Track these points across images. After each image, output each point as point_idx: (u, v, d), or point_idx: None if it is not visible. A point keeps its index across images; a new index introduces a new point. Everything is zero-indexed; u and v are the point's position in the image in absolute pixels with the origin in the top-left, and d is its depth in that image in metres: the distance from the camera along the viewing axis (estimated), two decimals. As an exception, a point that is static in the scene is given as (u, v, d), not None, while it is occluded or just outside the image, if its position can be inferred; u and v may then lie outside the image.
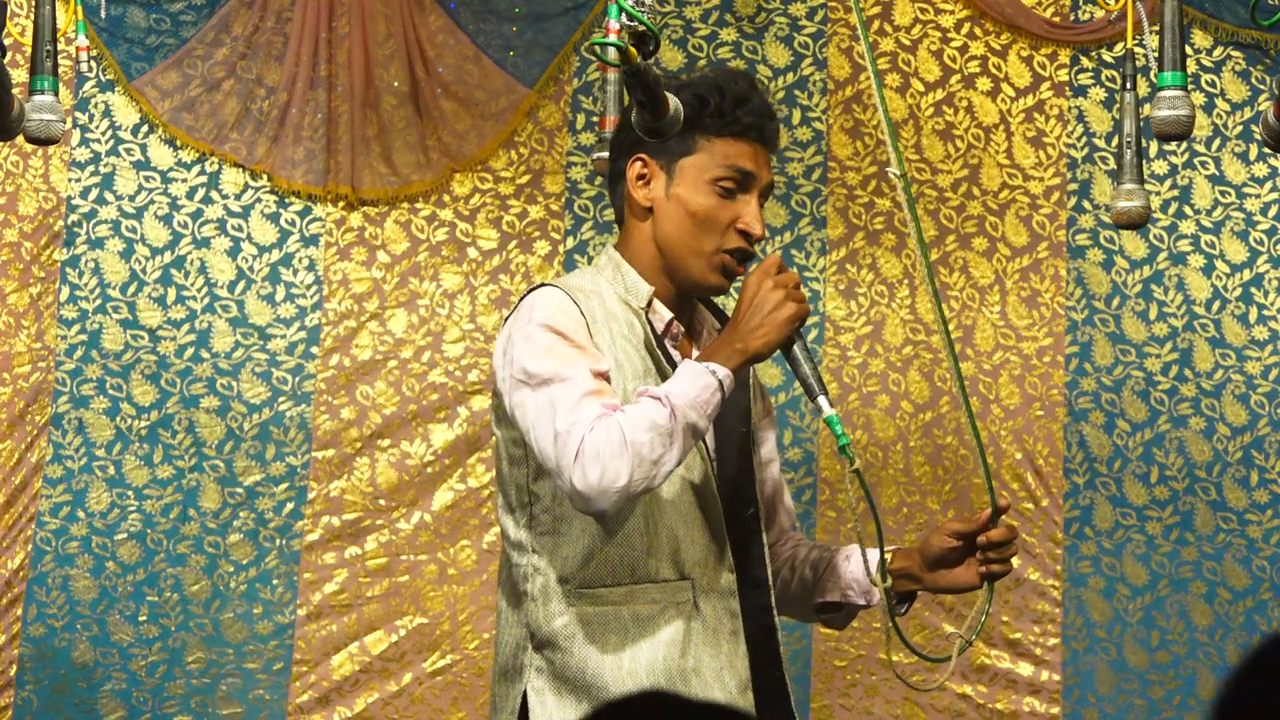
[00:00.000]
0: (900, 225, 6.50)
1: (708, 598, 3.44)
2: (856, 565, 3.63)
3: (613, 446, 3.23)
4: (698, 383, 3.31)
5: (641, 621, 3.40)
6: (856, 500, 3.47)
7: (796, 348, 3.42)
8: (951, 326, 6.39)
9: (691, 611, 3.41)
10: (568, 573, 3.41)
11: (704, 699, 3.20)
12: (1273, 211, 6.52)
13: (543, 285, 3.48)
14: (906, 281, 6.51)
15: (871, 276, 6.51)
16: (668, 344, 3.52)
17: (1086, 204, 6.53)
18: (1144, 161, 5.22)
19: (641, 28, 3.07)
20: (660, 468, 3.27)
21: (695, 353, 3.53)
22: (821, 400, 3.40)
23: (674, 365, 3.46)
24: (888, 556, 3.58)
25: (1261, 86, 6.51)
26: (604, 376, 3.36)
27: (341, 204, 6.38)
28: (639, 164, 3.50)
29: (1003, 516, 3.60)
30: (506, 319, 3.48)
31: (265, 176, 6.35)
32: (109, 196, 6.31)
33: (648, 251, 3.52)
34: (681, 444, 3.29)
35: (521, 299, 3.48)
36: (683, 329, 3.55)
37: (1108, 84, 6.53)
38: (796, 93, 6.51)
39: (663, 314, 3.52)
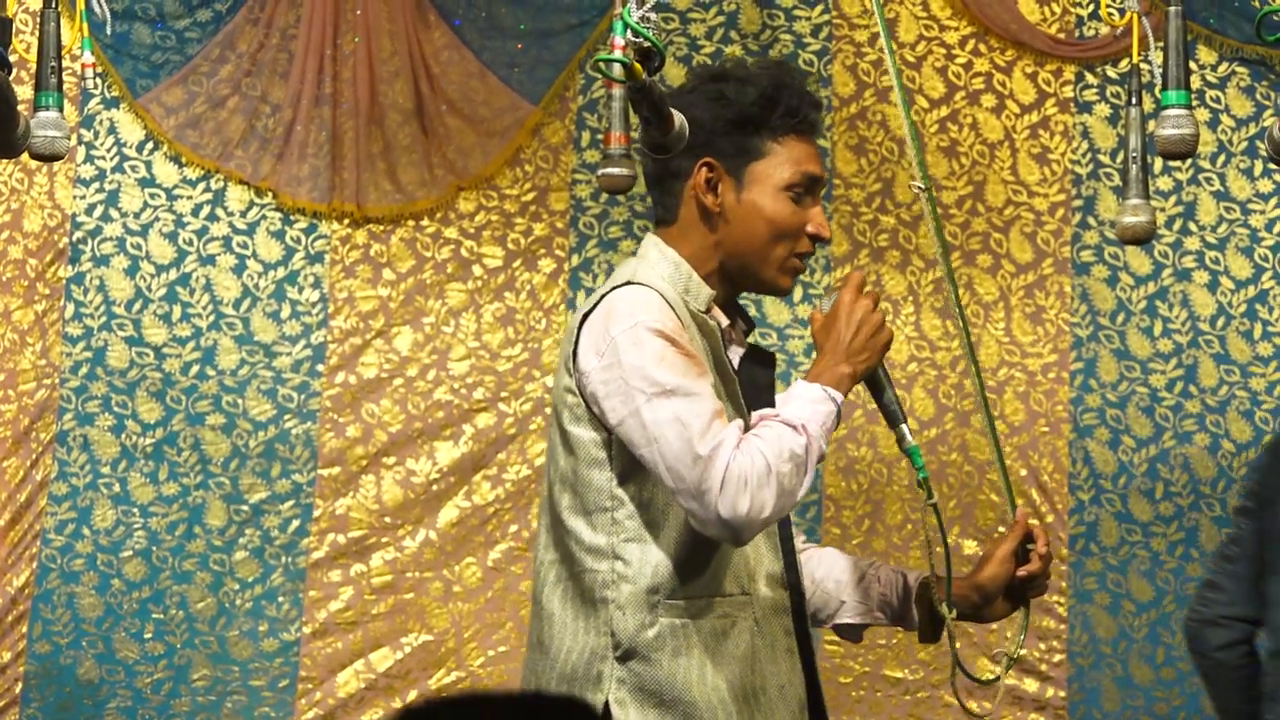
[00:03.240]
0: (904, 242, 6.50)
1: (765, 614, 3.38)
2: (889, 589, 3.63)
3: (759, 476, 3.17)
4: (822, 409, 3.27)
5: (718, 636, 3.33)
6: (931, 533, 3.47)
7: (882, 371, 3.40)
8: (956, 343, 6.39)
9: (753, 628, 3.35)
10: (657, 582, 3.30)
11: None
12: (1277, 228, 6.51)
13: (630, 284, 3.33)
14: (911, 299, 6.51)
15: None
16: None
17: (1091, 220, 6.53)
18: (1149, 177, 5.22)
19: (646, 44, 3.06)
20: (794, 498, 3.23)
21: (731, 359, 3.47)
22: (904, 429, 3.39)
23: (736, 374, 3.41)
24: (930, 583, 3.58)
25: (1266, 102, 6.51)
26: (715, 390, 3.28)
27: (347, 221, 6.39)
28: (706, 169, 3.38)
29: (1038, 544, 3.61)
30: (586, 316, 3.32)
31: (270, 193, 6.36)
32: (114, 213, 6.31)
33: (709, 255, 3.40)
34: (812, 473, 3.26)
35: (607, 295, 3.33)
36: (733, 335, 3.47)
37: (1112, 100, 6.53)
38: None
39: (720, 319, 3.43)
